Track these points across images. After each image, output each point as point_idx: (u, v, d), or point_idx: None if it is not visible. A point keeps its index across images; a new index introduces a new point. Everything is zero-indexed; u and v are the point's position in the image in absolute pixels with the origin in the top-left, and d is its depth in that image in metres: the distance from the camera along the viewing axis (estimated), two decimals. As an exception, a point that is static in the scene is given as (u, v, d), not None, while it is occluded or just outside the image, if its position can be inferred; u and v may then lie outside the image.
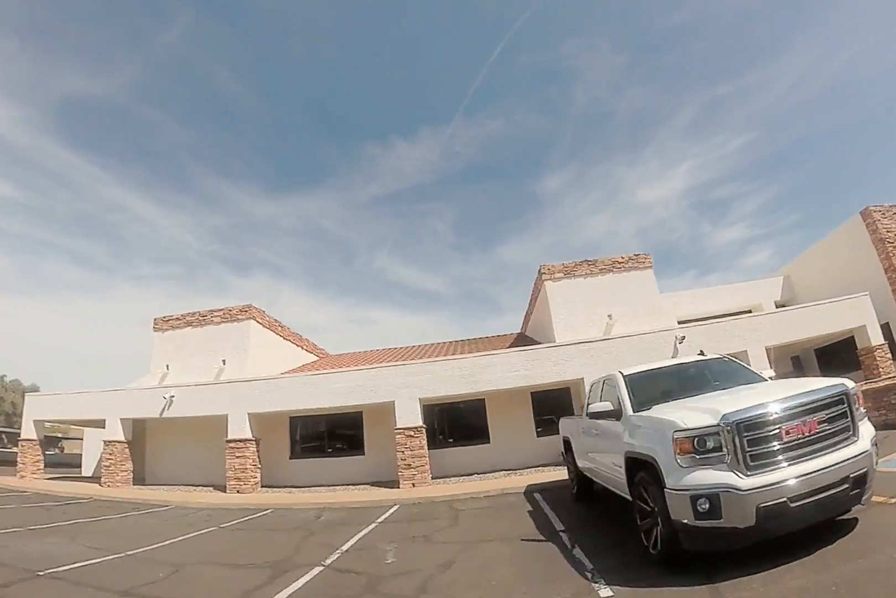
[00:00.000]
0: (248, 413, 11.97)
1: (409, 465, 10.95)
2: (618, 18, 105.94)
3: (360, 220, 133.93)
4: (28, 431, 14.37)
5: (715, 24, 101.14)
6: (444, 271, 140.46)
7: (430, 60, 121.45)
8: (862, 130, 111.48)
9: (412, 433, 11.14)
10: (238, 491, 11.56)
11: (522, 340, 17.55)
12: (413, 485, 10.71)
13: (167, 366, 15.45)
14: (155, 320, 16.26)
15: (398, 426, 11.21)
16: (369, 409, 12.38)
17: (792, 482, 3.07)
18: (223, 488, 11.86)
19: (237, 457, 11.82)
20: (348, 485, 11.65)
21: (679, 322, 14.32)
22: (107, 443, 12.93)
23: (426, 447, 11.12)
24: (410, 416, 11.15)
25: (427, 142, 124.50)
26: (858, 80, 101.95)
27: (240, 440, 11.88)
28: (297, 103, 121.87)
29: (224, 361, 15.25)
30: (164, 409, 12.63)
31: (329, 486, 11.71)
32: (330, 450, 13.11)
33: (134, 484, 13.05)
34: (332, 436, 13.26)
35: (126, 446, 13.00)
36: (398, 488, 10.77)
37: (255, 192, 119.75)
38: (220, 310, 16.06)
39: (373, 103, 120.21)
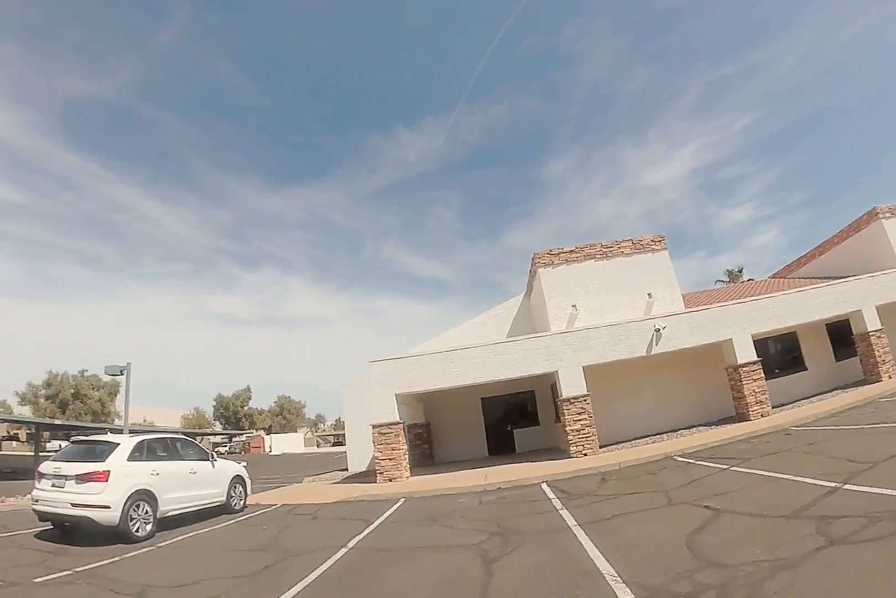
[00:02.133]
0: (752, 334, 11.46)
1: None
2: (619, 7, 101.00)
3: (366, 210, 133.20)
4: (387, 411, 11.13)
5: (716, 3, 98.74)
6: (451, 259, 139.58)
7: (432, 49, 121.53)
8: (865, 108, 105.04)
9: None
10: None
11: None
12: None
13: (574, 306, 13.08)
14: (536, 254, 13.83)
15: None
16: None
17: None
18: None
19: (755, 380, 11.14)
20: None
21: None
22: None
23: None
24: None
25: (430, 130, 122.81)
26: (861, 58, 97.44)
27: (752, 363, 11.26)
28: (299, 95, 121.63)
29: (649, 294, 13.11)
30: (650, 345, 11.21)
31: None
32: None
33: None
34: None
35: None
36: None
37: (260, 186, 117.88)
38: (628, 241, 13.70)
39: (375, 93, 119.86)
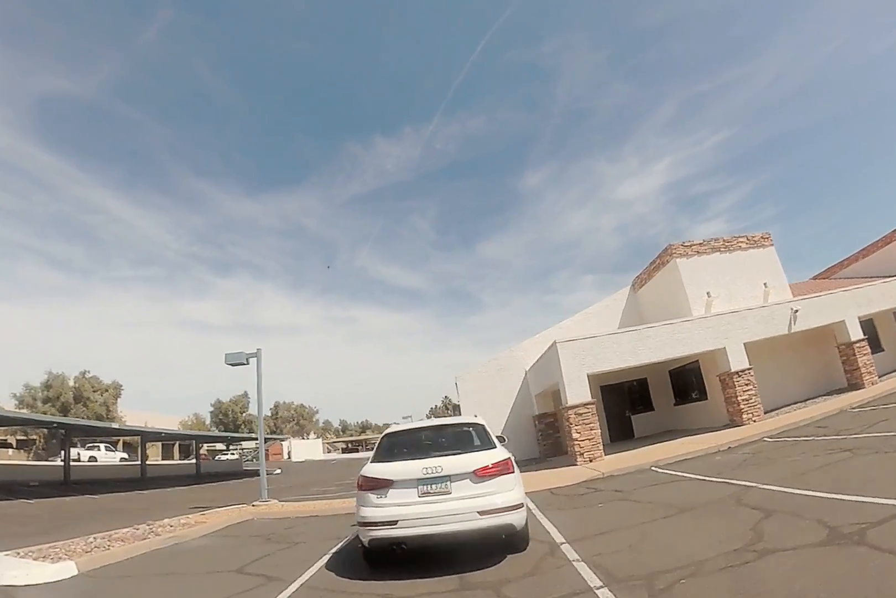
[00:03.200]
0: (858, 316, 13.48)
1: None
2: (599, 16, 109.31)
3: (341, 218, 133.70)
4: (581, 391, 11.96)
5: (694, 22, 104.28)
6: (426, 269, 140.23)
7: (413, 59, 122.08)
8: (835, 127, 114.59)
9: None
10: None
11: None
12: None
13: (708, 293, 14.81)
14: (671, 246, 15.50)
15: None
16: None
17: None
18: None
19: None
20: None
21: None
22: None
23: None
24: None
25: (409, 140, 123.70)
26: (834, 78, 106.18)
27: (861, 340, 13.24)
28: (279, 101, 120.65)
29: (765, 283, 15.14)
30: (790, 324, 13.00)
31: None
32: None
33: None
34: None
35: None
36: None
37: (236, 191, 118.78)
38: (743, 236, 15.80)
39: (354, 101, 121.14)
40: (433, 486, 4.71)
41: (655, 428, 15.99)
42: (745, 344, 12.74)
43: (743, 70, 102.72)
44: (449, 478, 4.71)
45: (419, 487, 4.72)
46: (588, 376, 12.42)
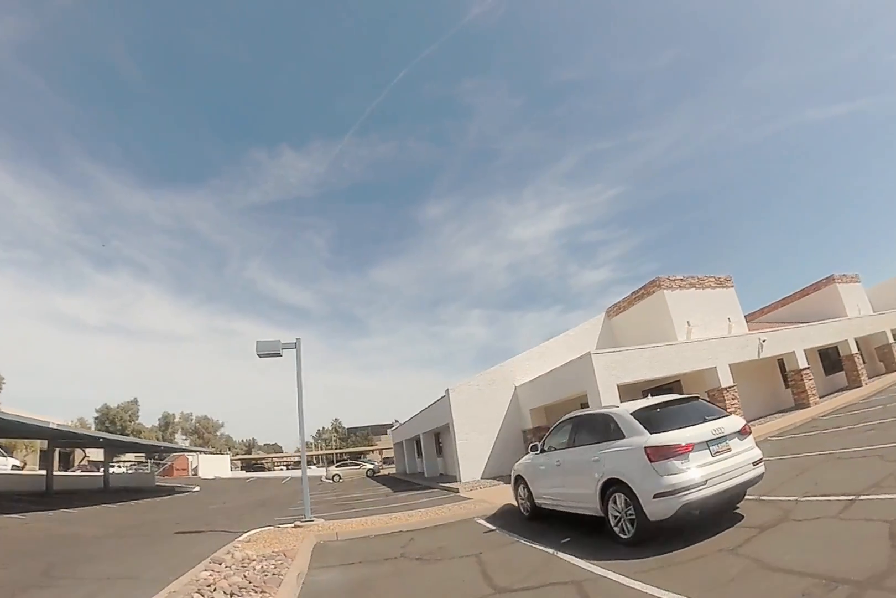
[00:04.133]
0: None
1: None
2: (519, 65, 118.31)
3: (236, 226, 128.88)
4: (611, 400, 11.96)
5: (606, 84, 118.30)
6: (316, 288, 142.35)
7: (334, 73, 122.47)
8: (717, 195, 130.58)
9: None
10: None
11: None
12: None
13: (688, 322, 16.87)
14: (658, 278, 17.38)
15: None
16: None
17: None
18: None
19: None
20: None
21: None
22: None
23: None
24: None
25: (316, 155, 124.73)
26: (721, 152, 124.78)
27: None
28: (190, 94, 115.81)
29: (729, 318, 17.64)
30: (759, 351, 15.27)
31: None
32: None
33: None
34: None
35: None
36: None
37: (129, 181, 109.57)
38: (712, 277, 18.33)
39: (268, 107, 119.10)
40: (720, 445, 5.38)
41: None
42: (729, 365, 14.66)
43: (644, 134, 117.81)
44: (727, 437, 5.45)
45: (710, 448, 5.30)
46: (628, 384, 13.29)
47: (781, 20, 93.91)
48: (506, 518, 8.46)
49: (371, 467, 34.81)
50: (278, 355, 10.54)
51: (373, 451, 71.61)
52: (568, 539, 6.26)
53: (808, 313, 22.38)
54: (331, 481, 31.48)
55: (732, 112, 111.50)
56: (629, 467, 5.47)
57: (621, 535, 5.50)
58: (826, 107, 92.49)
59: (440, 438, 22.55)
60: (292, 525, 9.59)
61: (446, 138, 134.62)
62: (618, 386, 12.97)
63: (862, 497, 5.32)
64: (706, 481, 5.05)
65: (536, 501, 7.64)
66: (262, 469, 65.13)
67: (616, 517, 5.62)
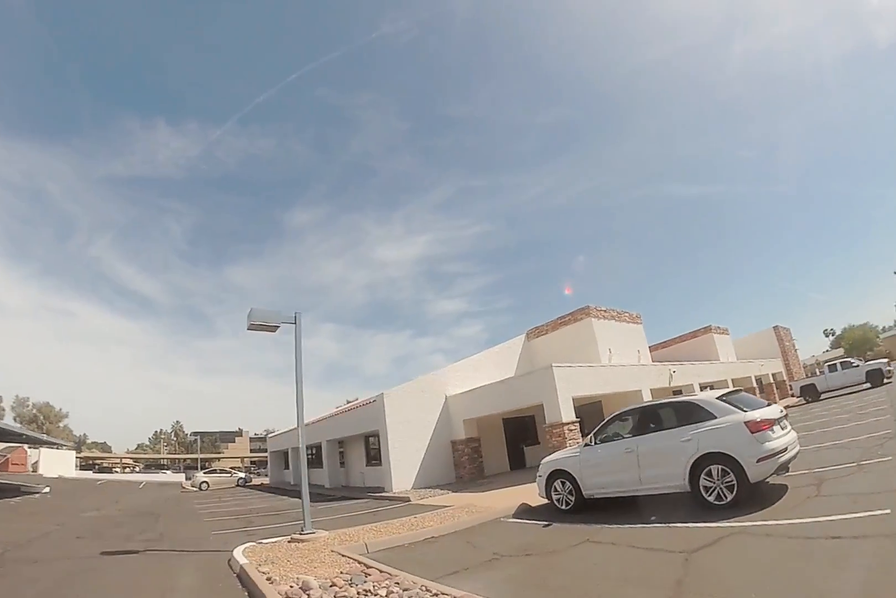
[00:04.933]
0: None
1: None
2: (415, 91, 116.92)
3: (91, 195, 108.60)
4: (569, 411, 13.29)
5: (492, 127, 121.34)
6: (166, 278, 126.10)
7: (227, 57, 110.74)
8: (571, 247, 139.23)
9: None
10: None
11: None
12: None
13: (610, 349, 18.80)
14: (588, 307, 19.50)
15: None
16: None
17: None
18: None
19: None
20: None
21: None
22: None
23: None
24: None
25: (192, 136, 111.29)
26: (581, 210, 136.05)
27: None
28: (72, 36, 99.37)
29: (639, 350, 20.32)
30: (670, 380, 17.20)
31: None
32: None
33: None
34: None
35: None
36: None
37: None
38: (626, 312, 20.99)
39: (151, 73, 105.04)
40: (782, 423, 6.64)
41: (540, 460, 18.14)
42: (650, 390, 16.69)
43: (518, 179, 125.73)
44: (783, 418, 6.74)
45: (779, 424, 6.52)
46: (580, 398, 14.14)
47: (662, 101, 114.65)
48: (539, 514, 8.12)
49: (242, 475, 32.61)
50: (272, 329, 8.70)
51: (220, 459, 67.01)
52: (654, 517, 6.39)
53: (687, 355, 26.71)
54: (197, 490, 28.61)
55: (604, 173, 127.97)
56: (731, 439, 6.21)
57: (716, 502, 6.14)
58: (688, 185, 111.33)
59: (349, 446, 20.94)
60: (287, 539, 7.65)
61: (328, 147, 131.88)
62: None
63: None
64: (786, 448, 6.24)
65: (586, 492, 7.67)
66: (107, 470, 57.35)
67: (708, 487, 6.25)
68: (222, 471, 34.55)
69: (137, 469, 62.60)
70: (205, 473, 32.91)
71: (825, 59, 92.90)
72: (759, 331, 31.33)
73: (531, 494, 10.31)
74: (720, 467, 6.16)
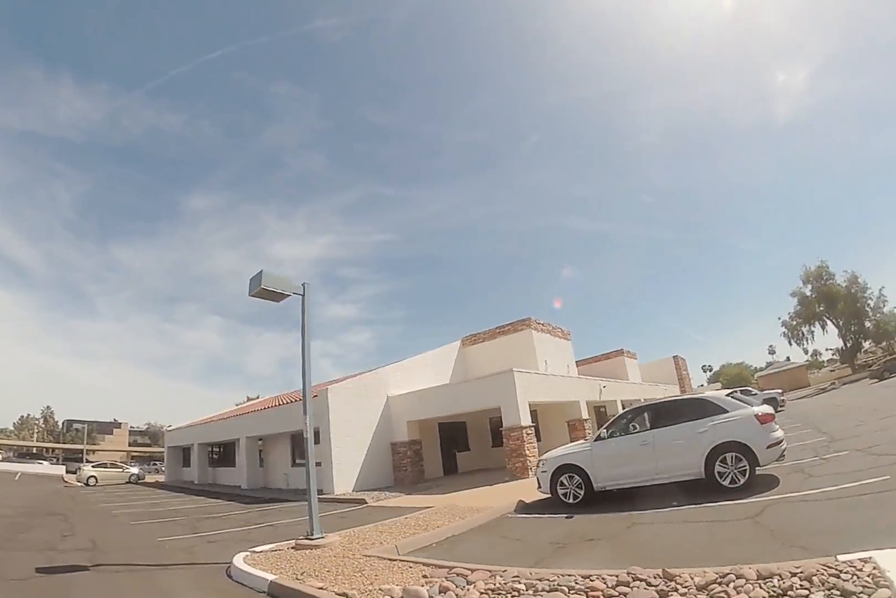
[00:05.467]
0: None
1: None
2: (341, 91, 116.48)
3: None
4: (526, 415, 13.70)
5: (412, 139, 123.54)
6: (46, 248, 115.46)
7: (146, 20, 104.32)
8: (460, 262, 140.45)
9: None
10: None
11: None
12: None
13: (546, 361, 19.51)
14: (529, 318, 20.22)
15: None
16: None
17: None
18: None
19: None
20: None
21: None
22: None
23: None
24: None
25: (97, 98, 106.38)
26: (484, 232, 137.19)
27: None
28: None
29: (568, 365, 21.43)
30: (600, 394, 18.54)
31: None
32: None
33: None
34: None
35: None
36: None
37: None
38: (559, 328, 22.04)
39: (67, 22, 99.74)
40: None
41: (473, 465, 18.28)
42: (585, 402, 17.81)
43: (427, 194, 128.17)
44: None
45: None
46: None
47: (576, 138, 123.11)
48: (543, 510, 8.14)
49: (136, 471, 30.11)
50: (278, 299, 7.59)
51: (95, 451, 60.78)
52: (675, 503, 6.89)
53: (601, 374, 28.15)
54: (83, 485, 26.04)
55: (511, 200, 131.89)
56: (744, 430, 7.11)
57: (730, 485, 6.92)
58: (590, 221, 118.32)
59: (271, 444, 18.98)
60: (290, 546, 6.57)
61: (240, 132, 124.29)
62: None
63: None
64: (783, 439, 7.21)
65: (597, 485, 7.98)
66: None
67: (723, 473, 7.03)
68: (112, 465, 30.87)
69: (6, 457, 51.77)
70: (94, 466, 29.26)
71: (729, 124, 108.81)
72: (661, 358, 35.51)
73: (502, 494, 10.38)
74: (734, 454, 7.00)
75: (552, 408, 17.72)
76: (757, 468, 6.98)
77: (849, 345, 44.40)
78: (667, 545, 4.99)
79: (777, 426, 7.35)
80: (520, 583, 4.05)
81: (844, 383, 35.92)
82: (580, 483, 8.07)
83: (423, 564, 5.13)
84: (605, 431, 8.34)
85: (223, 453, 22.78)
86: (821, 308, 43.43)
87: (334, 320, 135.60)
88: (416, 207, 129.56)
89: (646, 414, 8.19)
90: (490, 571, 4.54)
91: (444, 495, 11.63)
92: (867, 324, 42.24)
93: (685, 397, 8.52)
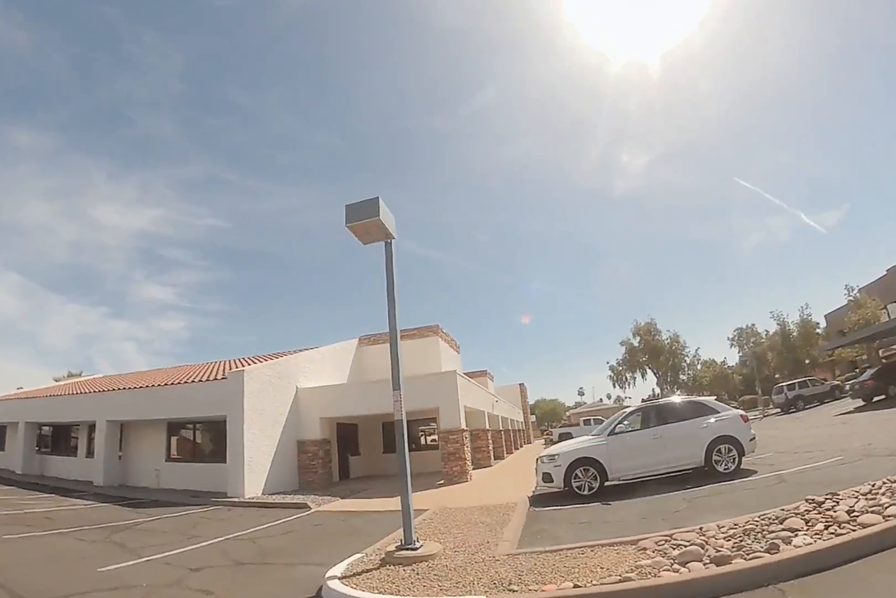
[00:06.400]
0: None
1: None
2: (205, 55, 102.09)
3: None
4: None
5: (268, 124, 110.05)
6: None
7: None
8: (305, 268, 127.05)
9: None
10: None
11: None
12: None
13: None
14: (437, 326, 19.91)
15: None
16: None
17: None
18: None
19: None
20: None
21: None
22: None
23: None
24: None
25: None
26: (322, 238, 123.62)
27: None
28: None
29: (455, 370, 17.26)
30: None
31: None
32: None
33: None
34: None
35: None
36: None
37: None
38: (454, 340, 21.54)
39: None
40: None
41: (363, 471, 17.36)
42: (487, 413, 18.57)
43: (271, 187, 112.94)
44: None
45: None
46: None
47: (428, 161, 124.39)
48: (562, 501, 8.39)
49: None
50: (377, 237, 6.11)
51: None
52: (688, 485, 8.08)
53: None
54: None
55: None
56: (734, 426, 8.82)
57: (724, 471, 8.42)
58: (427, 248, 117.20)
59: (137, 433, 14.87)
60: (378, 560, 5.23)
61: (90, 73, 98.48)
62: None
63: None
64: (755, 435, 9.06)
65: (612, 475, 8.69)
66: None
67: (718, 461, 8.55)
68: None
69: None
70: None
71: (574, 184, 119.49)
72: (510, 384, 39.03)
73: (466, 495, 10.17)
74: (727, 445, 8.58)
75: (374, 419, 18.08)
76: (743, 457, 8.63)
77: (664, 392, 51.24)
78: (728, 504, 6.09)
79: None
80: (715, 532, 4.52)
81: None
82: (595, 475, 8.63)
83: (597, 547, 4.81)
84: (615, 427, 9.17)
85: (59, 438, 16.96)
86: (644, 358, 50.18)
87: (149, 301, 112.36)
88: (260, 198, 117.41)
89: (652, 413, 9.34)
90: (666, 535, 4.71)
91: (391, 498, 10.67)
92: (682, 376, 50.59)
93: (685, 399, 10.07)
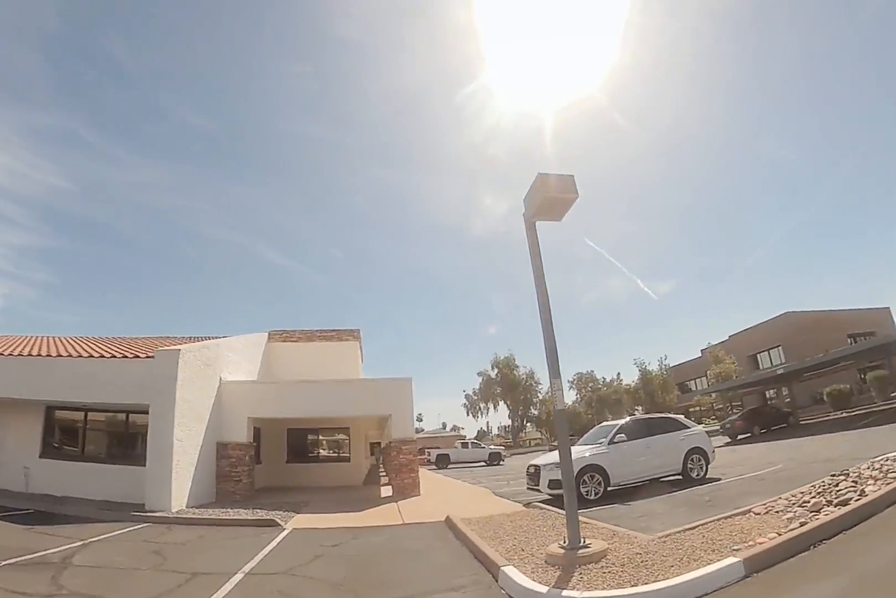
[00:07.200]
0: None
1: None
2: (86, 6, 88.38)
3: None
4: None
5: (145, 91, 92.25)
6: None
7: None
8: (144, 251, 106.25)
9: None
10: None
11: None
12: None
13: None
14: (356, 330, 18.87)
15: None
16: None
17: None
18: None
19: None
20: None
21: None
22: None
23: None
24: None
25: None
26: (177, 224, 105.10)
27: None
28: None
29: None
30: None
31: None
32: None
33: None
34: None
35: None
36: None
37: None
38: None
39: None
40: None
41: (263, 482, 14.99)
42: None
43: (137, 159, 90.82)
44: None
45: None
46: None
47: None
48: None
49: None
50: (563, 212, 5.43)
51: None
52: (675, 488, 9.15)
53: None
54: None
55: (223, 207, 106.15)
56: (701, 439, 10.50)
57: (696, 476, 9.86)
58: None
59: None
60: (546, 560, 4.70)
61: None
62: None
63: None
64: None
65: (614, 481, 9.26)
66: None
67: (692, 468, 9.98)
68: None
69: None
70: None
71: (439, 218, 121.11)
72: None
73: (440, 508, 9.31)
74: (698, 455, 10.10)
75: (363, 426, 17.28)
76: (709, 466, 10.12)
77: (515, 424, 54.61)
78: (742, 493, 7.46)
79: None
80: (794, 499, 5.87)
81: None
82: (600, 481, 9.14)
83: (719, 520, 5.56)
84: (614, 437, 9.79)
85: None
86: (499, 390, 52.38)
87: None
88: (118, 168, 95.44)
89: (641, 425, 10.37)
90: (764, 505, 5.75)
91: (356, 512, 9.60)
92: (533, 411, 52.93)
93: (664, 415, 11.48)
